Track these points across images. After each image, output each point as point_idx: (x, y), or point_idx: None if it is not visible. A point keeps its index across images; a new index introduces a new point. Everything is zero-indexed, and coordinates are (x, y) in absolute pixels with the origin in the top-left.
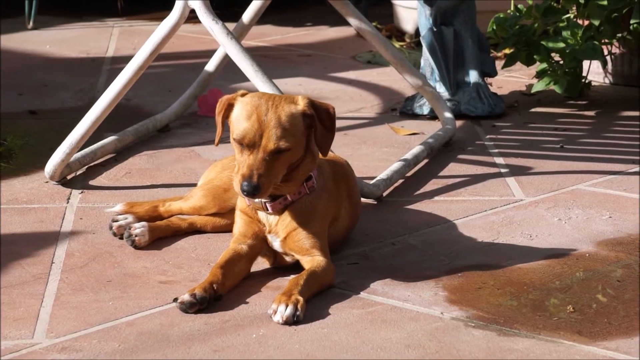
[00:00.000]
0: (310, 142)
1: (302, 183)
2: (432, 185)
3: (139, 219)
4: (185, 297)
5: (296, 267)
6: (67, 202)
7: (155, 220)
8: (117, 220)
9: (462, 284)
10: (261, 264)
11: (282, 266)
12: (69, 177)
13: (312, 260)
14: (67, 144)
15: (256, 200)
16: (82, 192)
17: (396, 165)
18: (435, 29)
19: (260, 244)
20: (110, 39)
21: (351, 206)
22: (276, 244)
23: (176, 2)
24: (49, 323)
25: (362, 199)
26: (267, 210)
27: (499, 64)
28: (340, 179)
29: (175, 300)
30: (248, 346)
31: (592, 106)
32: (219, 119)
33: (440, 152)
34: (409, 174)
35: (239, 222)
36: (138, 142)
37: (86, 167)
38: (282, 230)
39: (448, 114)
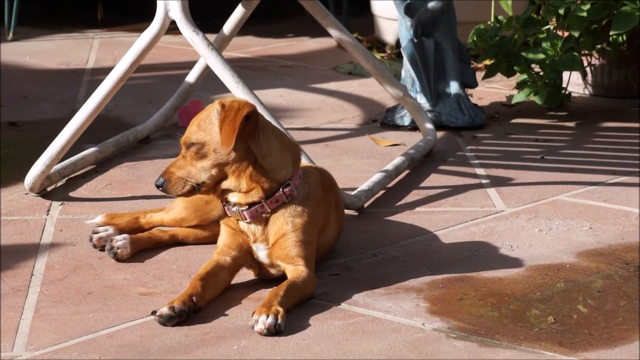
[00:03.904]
0: (255, 145)
1: (265, 189)
2: (413, 196)
3: (120, 230)
4: (164, 310)
5: (280, 279)
6: (47, 214)
7: (136, 232)
8: (97, 232)
9: (444, 295)
10: (243, 275)
11: (267, 278)
12: (49, 189)
13: (294, 270)
14: (47, 156)
15: (234, 209)
16: (62, 204)
17: (377, 176)
18: (416, 40)
19: (244, 256)
20: (90, 50)
21: (338, 215)
22: (262, 255)
23: (156, 13)
24: (28, 336)
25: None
26: (246, 219)
27: (479, 75)
28: (328, 187)
29: (153, 313)
30: (229, 358)
31: (572, 117)
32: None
33: (421, 163)
34: (390, 185)
35: (224, 234)
36: (118, 153)
37: (66, 178)
38: (271, 237)
39: (429, 125)
